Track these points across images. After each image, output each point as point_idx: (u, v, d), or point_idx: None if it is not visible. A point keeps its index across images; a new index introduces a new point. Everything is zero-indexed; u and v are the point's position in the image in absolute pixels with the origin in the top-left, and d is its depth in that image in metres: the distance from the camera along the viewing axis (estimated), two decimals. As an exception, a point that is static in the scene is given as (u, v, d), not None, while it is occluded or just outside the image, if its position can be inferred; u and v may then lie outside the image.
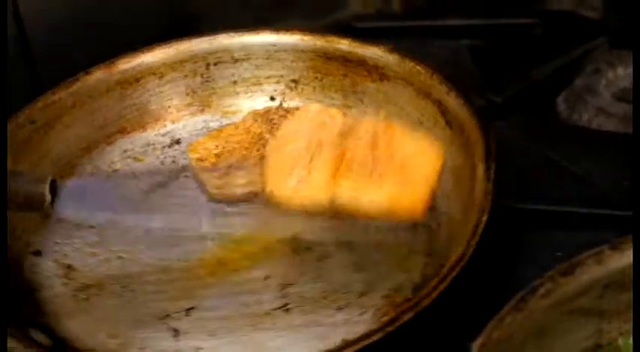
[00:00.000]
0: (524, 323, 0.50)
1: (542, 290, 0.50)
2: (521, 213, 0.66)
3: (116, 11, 0.78)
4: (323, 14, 0.78)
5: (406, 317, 0.53)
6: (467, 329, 0.49)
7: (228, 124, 0.73)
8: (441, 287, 0.54)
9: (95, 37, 0.77)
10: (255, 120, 0.71)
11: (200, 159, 0.69)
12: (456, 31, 0.80)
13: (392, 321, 0.53)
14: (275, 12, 0.78)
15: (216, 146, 0.70)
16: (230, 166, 0.69)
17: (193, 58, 0.75)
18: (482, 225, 0.57)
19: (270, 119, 0.71)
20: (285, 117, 0.71)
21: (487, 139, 0.62)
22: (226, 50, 0.75)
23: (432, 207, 0.66)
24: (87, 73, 0.73)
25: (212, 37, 0.75)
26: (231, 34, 0.75)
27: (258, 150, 0.69)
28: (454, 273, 0.54)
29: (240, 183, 0.69)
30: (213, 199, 0.69)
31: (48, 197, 0.63)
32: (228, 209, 0.69)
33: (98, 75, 0.73)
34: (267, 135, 0.70)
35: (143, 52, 0.74)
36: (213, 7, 0.82)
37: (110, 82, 0.73)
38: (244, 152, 0.69)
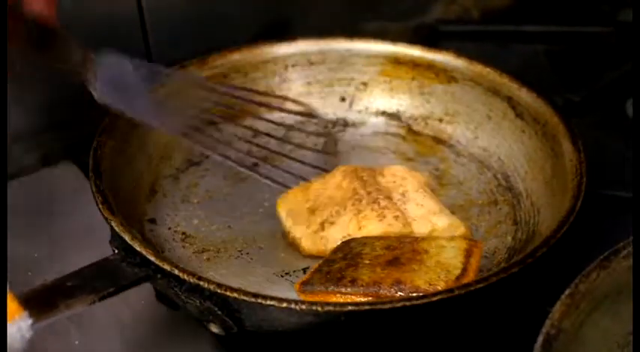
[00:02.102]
0: (606, 280, 0.58)
1: (624, 252, 0.57)
2: (601, 198, 0.74)
3: (226, 9, 0.85)
4: (408, 18, 0.86)
5: (513, 269, 0.60)
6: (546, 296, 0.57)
7: (315, 179, 0.74)
8: (540, 252, 0.61)
9: (206, 31, 0.84)
10: (345, 177, 0.72)
11: (291, 215, 0.72)
12: (533, 37, 0.90)
13: (500, 272, 0.60)
14: (362, 15, 0.86)
15: (307, 200, 0.72)
16: (324, 222, 0.70)
17: (274, 59, 0.83)
18: (577, 208, 0.64)
19: (360, 176, 0.72)
20: (373, 176, 0.73)
21: (569, 126, 0.71)
22: (304, 54, 0.83)
23: (510, 189, 0.75)
24: (182, 67, 0.80)
25: (292, 42, 0.83)
26: (309, 39, 0.83)
27: (353, 204, 0.70)
28: (553, 240, 0.62)
29: (335, 239, 0.69)
30: (308, 255, 0.69)
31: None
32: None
33: (191, 69, 0.80)
34: (362, 191, 0.70)
35: (231, 52, 0.81)
36: (305, 12, 0.89)
37: (203, 75, 0.80)
38: (337, 207, 0.71)
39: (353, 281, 0.62)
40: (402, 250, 0.64)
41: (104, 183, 0.66)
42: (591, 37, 0.92)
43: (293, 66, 0.84)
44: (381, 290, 0.61)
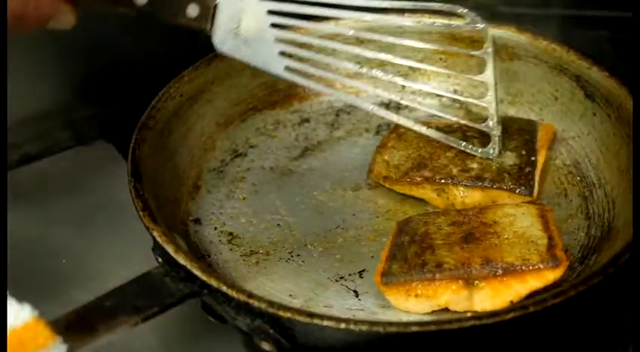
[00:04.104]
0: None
1: None
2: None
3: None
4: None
5: (593, 280, 0.54)
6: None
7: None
8: (623, 259, 0.55)
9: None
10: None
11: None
12: (596, 22, 0.83)
13: (578, 284, 0.54)
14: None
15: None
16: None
17: (323, 38, 0.76)
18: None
19: None
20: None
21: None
22: (355, 31, 0.78)
23: (581, 178, 0.69)
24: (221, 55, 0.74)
25: (339, 21, 0.77)
26: (358, 16, 0.77)
27: None
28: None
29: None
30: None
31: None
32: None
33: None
34: None
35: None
36: None
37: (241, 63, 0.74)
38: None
39: (439, 266, 0.58)
40: (469, 224, 0.61)
41: (144, 186, 0.61)
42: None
43: (344, 45, 0.78)
44: (473, 272, 0.57)
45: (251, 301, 0.53)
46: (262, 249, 0.65)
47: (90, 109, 0.80)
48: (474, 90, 0.76)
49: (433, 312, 0.59)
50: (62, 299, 0.58)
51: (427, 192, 0.68)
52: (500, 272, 0.57)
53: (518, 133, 0.69)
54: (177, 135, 0.70)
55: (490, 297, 0.57)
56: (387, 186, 0.69)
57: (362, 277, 0.63)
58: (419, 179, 0.67)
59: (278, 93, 0.77)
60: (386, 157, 0.69)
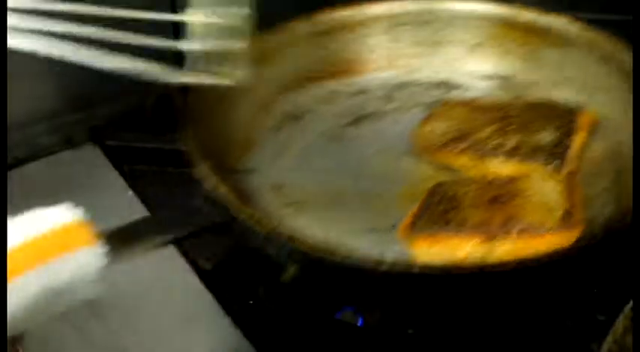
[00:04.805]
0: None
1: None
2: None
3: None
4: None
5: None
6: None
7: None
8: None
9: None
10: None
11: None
12: None
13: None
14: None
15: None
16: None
17: (383, 18, 0.82)
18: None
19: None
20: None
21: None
22: (413, 13, 0.82)
23: (617, 165, 0.71)
24: (284, 24, 0.79)
25: (402, 0, 0.82)
26: (419, -1, 0.82)
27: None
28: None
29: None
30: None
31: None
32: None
33: (300, 24, 0.80)
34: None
35: (339, 9, 0.81)
36: None
37: (307, 32, 0.80)
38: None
39: (462, 222, 0.62)
40: (498, 191, 0.64)
41: (198, 129, 0.67)
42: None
43: (403, 25, 0.82)
44: (493, 229, 0.61)
45: (277, 232, 0.58)
46: (302, 199, 0.70)
47: (79, 113, 0.83)
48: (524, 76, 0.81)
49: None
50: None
51: (464, 163, 0.71)
52: (518, 230, 0.60)
53: (561, 116, 0.73)
54: (238, 92, 0.75)
55: (507, 254, 0.60)
56: (427, 155, 0.73)
57: (391, 231, 0.66)
58: (457, 150, 0.71)
59: (338, 65, 0.81)
60: (429, 128, 0.73)
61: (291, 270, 0.59)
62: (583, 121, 0.72)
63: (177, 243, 0.60)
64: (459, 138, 0.72)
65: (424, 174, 0.72)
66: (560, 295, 0.63)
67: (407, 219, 0.65)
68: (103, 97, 0.80)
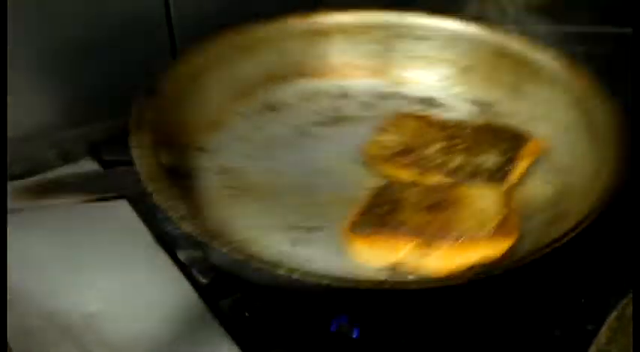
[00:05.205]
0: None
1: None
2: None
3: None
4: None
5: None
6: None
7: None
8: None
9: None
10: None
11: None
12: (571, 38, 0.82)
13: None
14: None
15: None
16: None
17: (381, 26, 0.83)
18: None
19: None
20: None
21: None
22: (412, 27, 0.83)
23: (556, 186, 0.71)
24: (285, 17, 0.82)
25: (402, 12, 0.83)
26: (420, 13, 0.83)
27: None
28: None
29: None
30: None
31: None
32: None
33: (295, 20, 0.82)
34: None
35: (339, 11, 0.83)
36: None
37: (301, 28, 0.82)
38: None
39: (402, 224, 0.65)
40: (438, 197, 0.67)
41: (155, 102, 0.70)
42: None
43: (399, 37, 0.83)
44: (430, 233, 0.64)
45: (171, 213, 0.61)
46: (244, 186, 0.72)
47: (76, 129, 0.83)
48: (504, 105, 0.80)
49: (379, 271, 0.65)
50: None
51: (408, 176, 0.72)
52: (452, 237, 0.63)
53: (509, 140, 0.73)
54: (214, 79, 0.78)
55: (442, 259, 0.63)
56: (374, 165, 0.74)
57: (312, 232, 0.68)
58: (401, 164, 0.72)
59: (328, 66, 0.83)
60: (380, 139, 0.75)
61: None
62: (529, 148, 0.73)
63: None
64: (404, 152, 0.73)
65: (366, 183, 0.73)
66: (547, 303, 0.65)
67: (349, 218, 0.67)
68: (99, 113, 0.82)
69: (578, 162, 0.71)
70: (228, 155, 0.75)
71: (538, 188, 0.72)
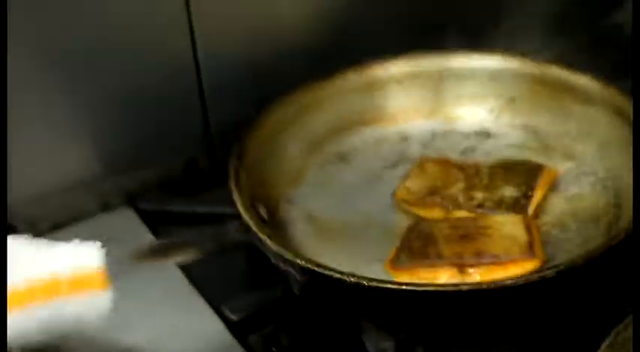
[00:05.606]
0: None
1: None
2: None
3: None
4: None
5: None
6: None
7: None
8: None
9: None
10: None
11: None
12: None
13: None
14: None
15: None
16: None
17: (429, 72, 0.92)
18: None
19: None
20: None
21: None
22: (456, 68, 0.92)
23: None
24: (342, 73, 0.91)
25: (446, 55, 0.92)
26: (462, 53, 0.92)
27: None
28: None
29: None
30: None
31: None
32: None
33: (352, 75, 0.91)
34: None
35: (390, 61, 0.91)
36: (458, 19, 0.97)
37: (360, 82, 0.91)
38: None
39: (438, 256, 0.73)
40: (467, 229, 0.75)
41: (243, 164, 0.80)
42: None
43: (446, 79, 0.92)
44: (465, 261, 0.72)
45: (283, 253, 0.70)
46: (330, 228, 0.81)
47: (116, 179, 0.90)
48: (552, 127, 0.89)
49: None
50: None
51: (436, 215, 0.81)
52: (486, 261, 0.71)
53: (525, 173, 0.82)
54: (290, 135, 0.87)
55: (479, 281, 0.71)
56: (405, 208, 0.83)
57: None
58: (429, 203, 0.82)
59: (385, 113, 0.92)
60: (407, 184, 0.84)
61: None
62: (545, 178, 0.82)
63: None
64: (431, 193, 0.82)
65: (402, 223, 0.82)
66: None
67: (391, 254, 0.75)
68: (137, 164, 0.90)
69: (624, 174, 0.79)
70: (311, 204, 0.84)
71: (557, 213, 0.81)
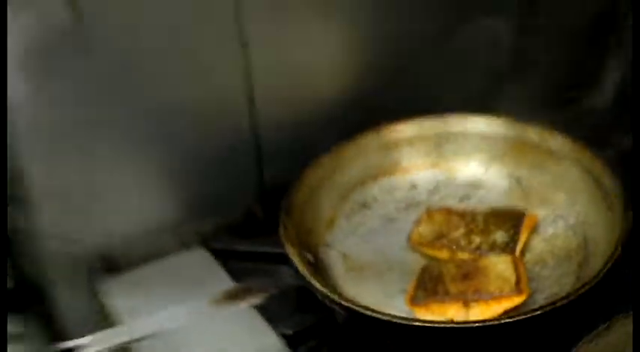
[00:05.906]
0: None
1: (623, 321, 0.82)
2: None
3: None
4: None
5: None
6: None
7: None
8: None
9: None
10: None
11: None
12: None
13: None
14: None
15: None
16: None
17: (433, 134, 1.14)
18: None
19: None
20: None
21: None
22: (455, 132, 1.14)
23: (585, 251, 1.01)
24: (362, 135, 1.13)
25: (445, 119, 1.14)
26: (458, 117, 1.13)
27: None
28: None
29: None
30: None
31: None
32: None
33: (370, 138, 1.13)
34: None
35: (404, 124, 1.13)
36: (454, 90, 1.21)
37: (378, 143, 1.14)
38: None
39: (446, 293, 0.95)
40: (467, 268, 0.97)
41: (290, 219, 1.01)
42: None
43: (446, 139, 1.14)
44: (468, 297, 0.94)
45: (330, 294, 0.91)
46: (360, 266, 1.04)
47: (191, 224, 1.09)
48: (533, 179, 1.11)
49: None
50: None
51: (444, 255, 1.03)
52: (484, 298, 0.92)
53: (511, 218, 1.04)
54: (324, 190, 1.09)
55: (479, 314, 0.93)
56: (418, 249, 1.05)
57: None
58: (438, 246, 1.03)
59: (397, 166, 1.14)
60: (420, 229, 1.06)
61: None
62: (526, 223, 1.03)
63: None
64: (438, 237, 1.04)
65: (418, 262, 1.03)
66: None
67: (409, 292, 0.97)
68: (208, 212, 1.10)
69: (591, 219, 1.02)
70: (343, 246, 1.06)
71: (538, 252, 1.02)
